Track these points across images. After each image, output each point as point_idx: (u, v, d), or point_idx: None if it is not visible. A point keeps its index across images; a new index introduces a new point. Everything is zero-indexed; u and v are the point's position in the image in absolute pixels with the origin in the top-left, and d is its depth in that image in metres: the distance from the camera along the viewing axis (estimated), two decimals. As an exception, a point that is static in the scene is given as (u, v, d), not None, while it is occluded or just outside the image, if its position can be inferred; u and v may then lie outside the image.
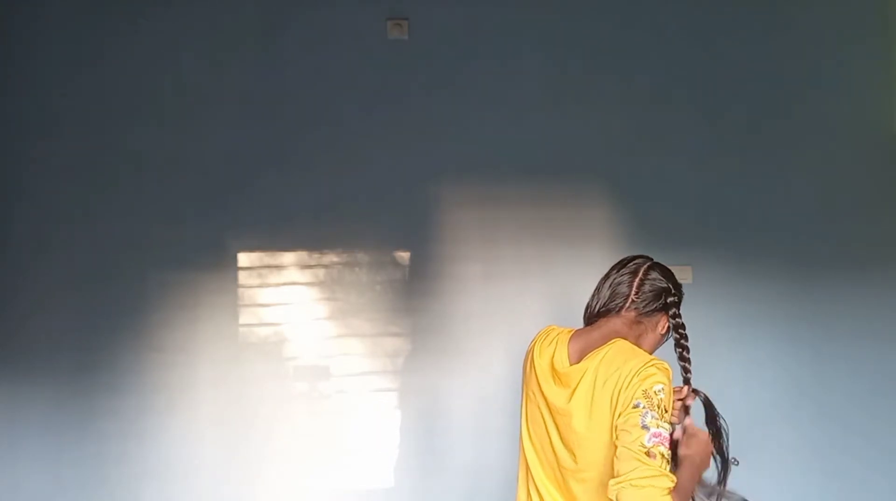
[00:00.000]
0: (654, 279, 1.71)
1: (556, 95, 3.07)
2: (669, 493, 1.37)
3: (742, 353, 3.04)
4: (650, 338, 1.71)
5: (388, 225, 2.97)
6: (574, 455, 1.57)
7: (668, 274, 1.75)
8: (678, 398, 1.68)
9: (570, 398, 1.58)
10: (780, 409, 3.03)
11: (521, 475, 1.74)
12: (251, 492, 2.83)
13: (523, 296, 2.97)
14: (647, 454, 1.39)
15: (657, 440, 1.41)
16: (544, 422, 1.66)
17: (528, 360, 1.75)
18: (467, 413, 2.91)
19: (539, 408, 1.68)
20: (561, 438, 1.61)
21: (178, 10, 2.96)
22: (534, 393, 1.70)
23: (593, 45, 3.11)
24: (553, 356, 1.67)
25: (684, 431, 1.61)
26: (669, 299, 1.70)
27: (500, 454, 2.81)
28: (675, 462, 1.57)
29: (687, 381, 1.71)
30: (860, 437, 3.05)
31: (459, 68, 3.05)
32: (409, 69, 3.03)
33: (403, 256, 2.98)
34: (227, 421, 2.84)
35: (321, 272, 2.94)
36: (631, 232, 3.02)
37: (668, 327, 1.72)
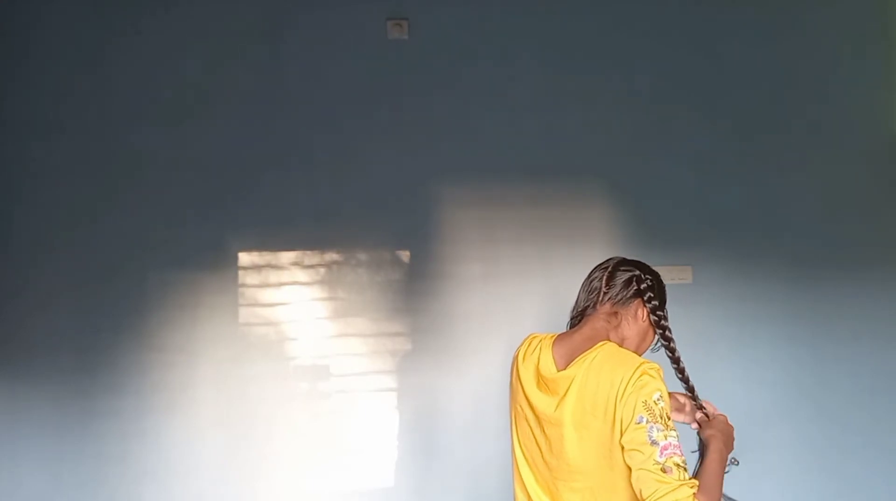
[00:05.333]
0: (624, 270, 1.71)
1: (556, 95, 3.07)
2: (695, 498, 1.38)
3: (742, 353, 3.04)
4: (632, 329, 1.68)
5: (388, 225, 2.97)
6: (566, 464, 1.57)
7: (640, 265, 1.74)
8: (682, 413, 1.72)
9: (558, 406, 1.57)
10: (780, 408, 3.04)
11: (518, 488, 1.73)
12: (251, 492, 2.83)
13: (523, 296, 2.97)
14: (663, 470, 1.40)
15: (668, 452, 1.41)
16: (533, 434, 1.65)
17: (514, 371, 1.74)
18: (467, 413, 2.92)
19: (528, 421, 1.67)
20: (551, 447, 1.60)
21: (178, 11, 2.96)
22: (521, 407, 1.69)
23: (593, 46, 3.11)
24: (538, 363, 1.65)
25: (702, 416, 1.68)
26: (643, 286, 1.68)
27: (500, 453, 2.80)
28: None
29: (691, 391, 1.71)
30: (859, 436, 3.05)
31: (459, 68, 3.05)
32: (409, 69, 3.03)
33: (404, 255, 2.98)
34: (228, 421, 2.84)
35: (321, 272, 2.94)
36: (631, 232, 3.02)
37: (650, 316, 1.70)
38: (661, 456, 1.41)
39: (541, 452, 1.63)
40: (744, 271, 3.07)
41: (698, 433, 1.69)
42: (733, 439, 1.64)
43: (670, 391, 1.71)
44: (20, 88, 2.88)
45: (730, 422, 1.67)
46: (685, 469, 1.41)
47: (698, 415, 1.71)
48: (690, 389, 1.71)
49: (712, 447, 1.58)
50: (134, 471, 2.79)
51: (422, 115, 3.01)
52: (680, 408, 1.75)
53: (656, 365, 1.51)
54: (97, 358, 2.80)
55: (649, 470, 1.41)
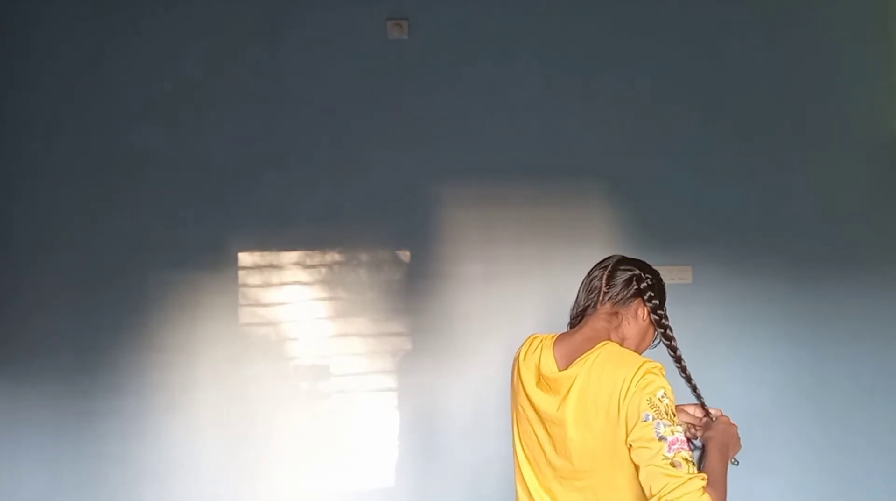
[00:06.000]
0: (624, 269, 1.71)
1: (556, 96, 3.07)
2: (705, 491, 1.37)
3: (742, 353, 3.04)
4: (632, 328, 1.69)
5: (388, 225, 2.97)
6: (569, 464, 1.57)
7: (640, 264, 1.74)
8: (691, 421, 1.71)
9: (561, 406, 1.57)
10: (780, 409, 3.04)
11: (520, 488, 1.72)
12: (251, 492, 2.83)
13: (523, 296, 2.97)
14: (672, 464, 1.39)
15: (676, 447, 1.41)
16: (535, 435, 1.65)
17: (515, 371, 1.74)
18: (467, 413, 2.91)
19: (529, 421, 1.67)
20: (554, 447, 1.60)
21: (178, 11, 2.96)
22: (523, 407, 1.69)
23: (593, 46, 3.11)
24: (539, 362, 1.65)
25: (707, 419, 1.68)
26: (643, 285, 1.68)
27: (500, 453, 2.81)
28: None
29: (694, 389, 1.71)
30: (859, 437, 3.05)
31: (459, 68, 3.05)
32: (409, 69, 3.03)
33: (404, 255, 2.98)
34: (228, 421, 2.84)
35: (321, 272, 2.94)
36: (631, 232, 3.02)
37: (650, 315, 1.69)
38: (669, 451, 1.40)
39: (543, 452, 1.63)
40: (744, 271, 3.07)
41: (693, 440, 1.69)
42: (736, 438, 1.64)
43: (680, 403, 1.72)
44: (20, 87, 2.88)
45: (732, 422, 1.66)
46: (694, 464, 1.41)
47: (703, 420, 1.71)
48: (693, 387, 1.71)
49: (710, 446, 1.57)
50: (134, 471, 2.79)
51: (422, 115, 3.01)
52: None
53: (659, 364, 1.51)
54: (97, 358, 2.80)
55: (658, 466, 1.40)
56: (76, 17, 2.92)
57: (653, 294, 1.68)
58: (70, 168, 2.87)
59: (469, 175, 3.01)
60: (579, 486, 1.56)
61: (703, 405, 1.72)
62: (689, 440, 1.71)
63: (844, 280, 3.11)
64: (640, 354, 1.66)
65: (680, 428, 1.44)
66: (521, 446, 1.71)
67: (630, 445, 1.46)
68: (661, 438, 1.41)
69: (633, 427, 1.45)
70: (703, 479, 1.39)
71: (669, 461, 1.40)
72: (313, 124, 2.97)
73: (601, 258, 1.79)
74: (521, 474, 1.70)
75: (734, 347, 3.04)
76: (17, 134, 2.87)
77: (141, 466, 2.79)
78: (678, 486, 1.37)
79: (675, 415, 1.45)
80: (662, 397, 1.45)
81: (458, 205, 3.00)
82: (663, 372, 1.50)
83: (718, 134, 3.12)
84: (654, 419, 1.43)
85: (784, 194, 3.13)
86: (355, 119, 2.98)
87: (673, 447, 1.41)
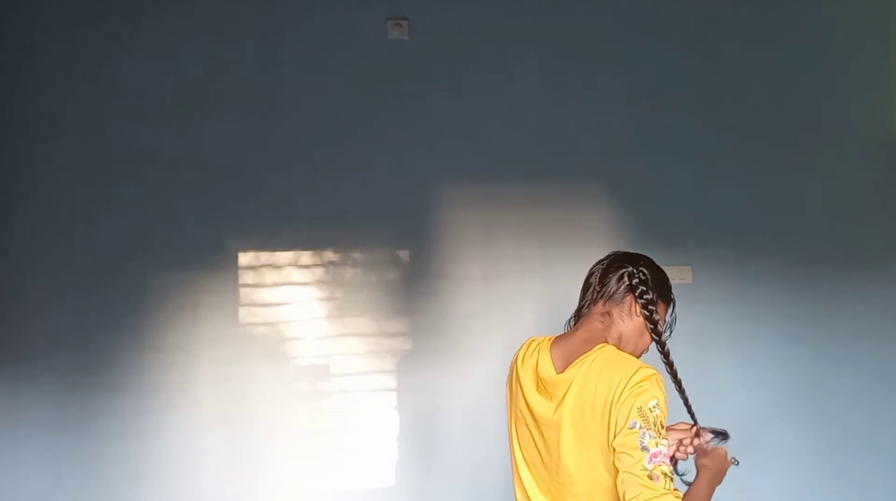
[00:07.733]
0: (618, 266, 1.68)
1: (556, 96, 3.07)
2: None
3: (742, 353, 3.04)
4: (627, 326, 1.64)
5: (388, 225, 2.97)
6: (564, 468, 1.56)
7: (633, 260, 1.70)
8: (687, 439, 1.67)
9: (558, 409, 1.56)
10: (780, 409, 3.04)
11: (518, 492, 1.71)
12: (252, 492, 2.83)
13: (523, 296, 2.97)
14: (650, 476, 1.39)
15: (658, 459, 1.40)
16: (533, 438, 1.64)
17: (513, 374, 1.72)
18: (467, 413, 2.91)
19: (528, 426, 1.66)
20: (549, 451, 1.60)
21: (179, 11, 2.96)
22: (521, 411, 1.67)
23: (593, 46, 3.11)
24: (536, 365, 1.64)
25: (705, 445, 1.64)
26: (634, 281, 1.64)
27: (500, 453, 2.79)
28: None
29: (679, 385, 1.67)
30: (859, 437, 3.05)
31: (459, 68, 3.05)
32: (409, 69, 3.03)
33: (404, 255, 2.98)
34: (228, 421, 2.84)
35: (321, 272, 2.94)
36: (631, 232, 3.02)
37: (643, 310, 1.65)
38: (649, 463, 1.39)
39: (541, 456, 1.62)
40: (744, 271, 3.07)
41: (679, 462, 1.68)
42: (724, 472, 1.60)
43: (672, 424, 1.70)
44: (21, 88, 2.88)
45: (728, 459, 1.62)
46: (671, 479, 1.40)
47: (695, 442, 1.68)
48: (678, 383, 1.66)
49: (702, 475, 1.55)
50: (134, 471, 2.79)
51: (422, 115, 3.01)
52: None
53: (656, 372, 1.49)
54: (97, 358, 2.80)
55: (636, 475, 1.40)
56: (77, 17, 2.92)
57: (645, 289, 1.65)
58: (70, 168, 2.87)
59: (469, 175, 3.01)
60: (576, 491, 1.55)
61: (689, 409, 1.70)
62: (674, 458, 1.68)
63: (844, 280, 3.11)
64: (638, 354, 1.65)
65: (665, 442, 1.43)
66: (520, 450, 1.69)
67: (613, 448, 1.45)
68: (644, 448, 1.40)
69: (619, 432, 1.44)
70: (677, 497, 1.38)
71: (648, 472, 1.39)
72: (313, 124, 2.97)
73: (601, 256, 1.77)
74: (520, 478, 1.69)
75: (734, 347, 3.04)
76: (17, 134, 2.86)
77: (141, 466, 2.79)
78: (652, 498, 1.37)
79: (663, 427, 1.44)
80: (654, 407, 1.44)
81: (458, 205, 3.00)
82: (661, 382, 1.48)
83: (718, 134, 3.12)
84: (641, 428, 1.42)
85: (784, 194, 3.13)
86: (355, 119, 2.98)
87: (654, 459, 1.40)
